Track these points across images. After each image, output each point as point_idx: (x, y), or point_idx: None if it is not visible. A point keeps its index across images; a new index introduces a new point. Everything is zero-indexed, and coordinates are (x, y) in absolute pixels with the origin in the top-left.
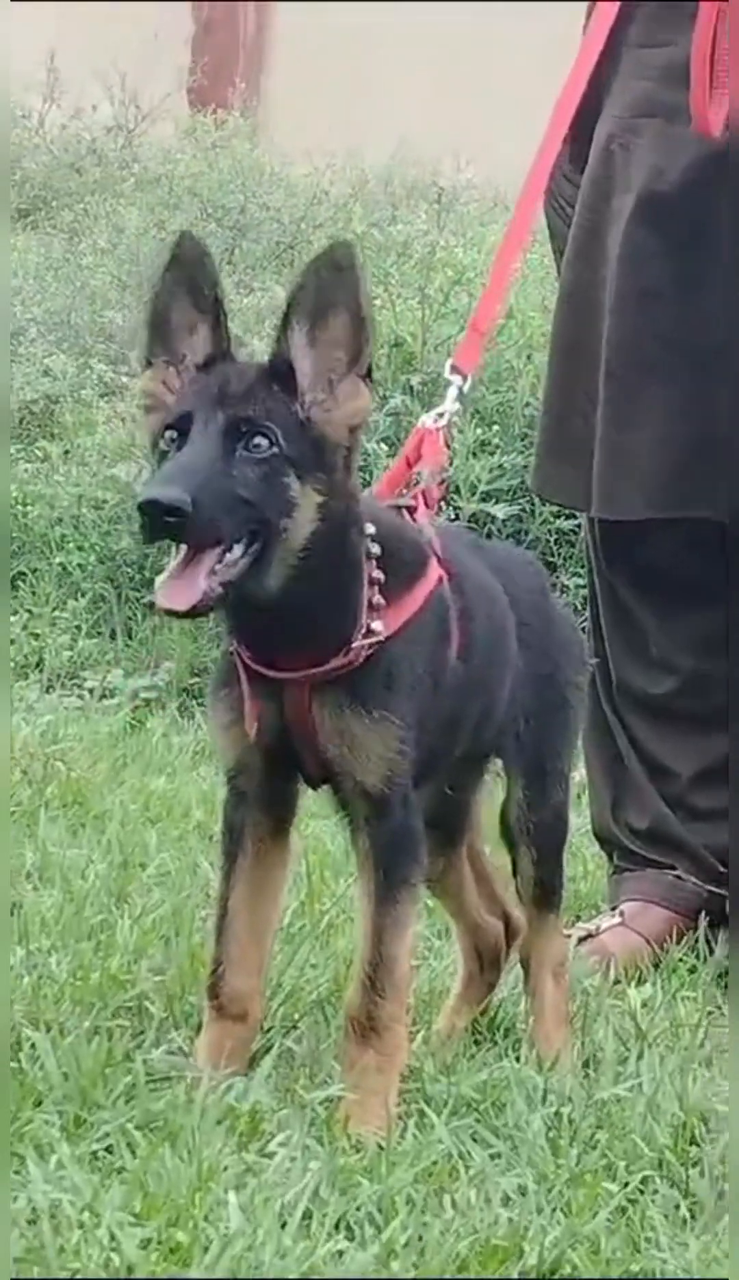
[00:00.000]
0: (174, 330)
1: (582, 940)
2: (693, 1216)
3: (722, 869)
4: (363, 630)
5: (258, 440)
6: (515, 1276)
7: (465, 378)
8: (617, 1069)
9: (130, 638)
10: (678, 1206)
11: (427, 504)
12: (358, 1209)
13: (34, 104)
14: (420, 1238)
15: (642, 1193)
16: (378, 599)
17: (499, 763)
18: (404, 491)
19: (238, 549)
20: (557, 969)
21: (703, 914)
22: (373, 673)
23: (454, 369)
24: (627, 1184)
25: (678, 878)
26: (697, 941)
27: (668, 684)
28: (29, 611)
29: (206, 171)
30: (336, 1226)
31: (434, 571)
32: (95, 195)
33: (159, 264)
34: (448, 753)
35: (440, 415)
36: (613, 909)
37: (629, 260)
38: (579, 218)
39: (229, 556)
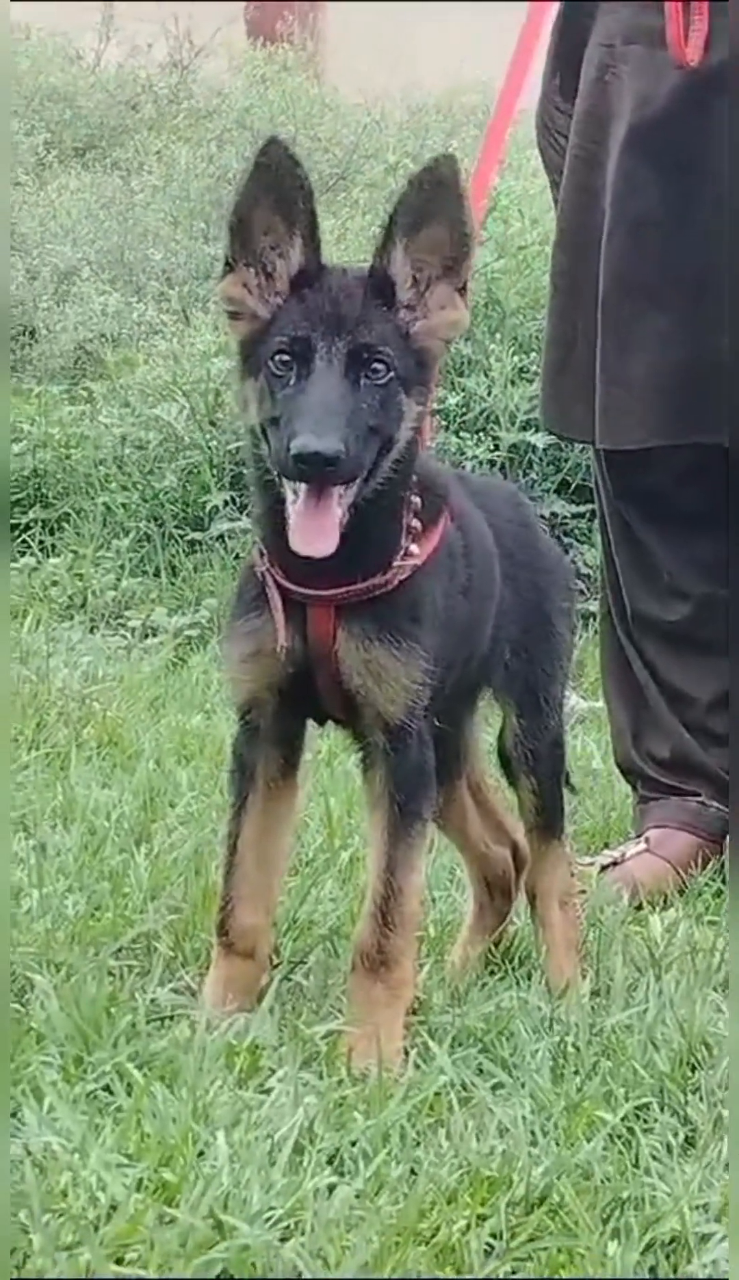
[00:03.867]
0: (257, 236)
1: (606, 868)
2: (689, 1143)
3: None
4: (402, 552)
5: (377, 366)
6: (503, 1205)
7: None
8: (628, 996)
9: (174, 575)
10: (676, 1133)
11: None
12: (352, 1144)
13: (90, 43)
14: (411, 1171)
15: (639, 1119)
16: (416, 525)
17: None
18: None
19: None
20: (564, 897)
21: (728, 838)
22: (400, 603)
23: None
24: (623, 1113)
25: (702, 803)
26: (722, 865)
27: (682, 610)
28: (73, 552)
29: (257, 104)
30: (329, 1161)
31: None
32: (150, 131)
33: (244, 168)
34: (444, 688)
35: None
36: (639, 836)
37: (622, 189)
38: (573, 149)
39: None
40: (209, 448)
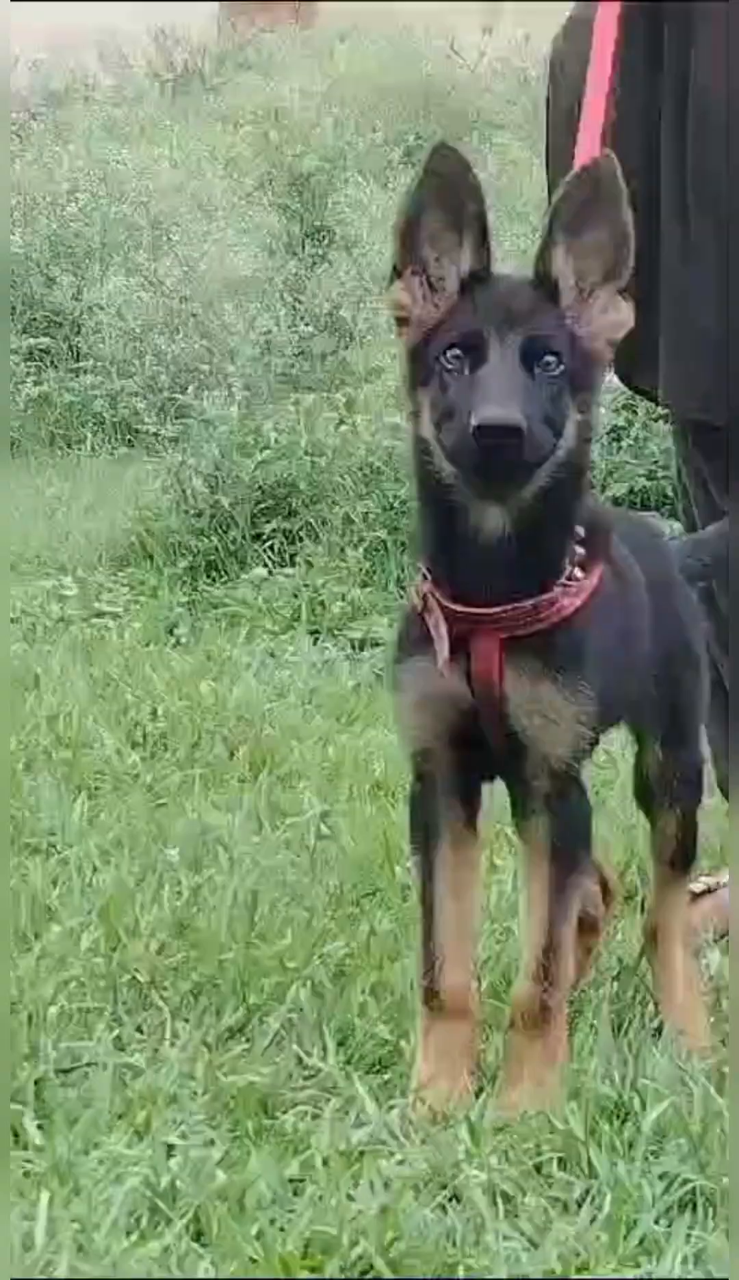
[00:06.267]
0: (426, 242)
1: (698, 895)
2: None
3: None
4: (566, 575)
5: (549, 359)
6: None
7: None
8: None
9: (403, 587)
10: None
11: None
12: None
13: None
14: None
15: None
16: (580, 551)
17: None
18: None
19: None
20: (686, 935)
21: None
22: (567, 640)
23: None
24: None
25: None
26: None
27: None
28: (308, 562)
29: None
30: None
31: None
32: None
33: (415, 174)
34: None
35: None
36: None
37: None
38: None
39: None
40: None
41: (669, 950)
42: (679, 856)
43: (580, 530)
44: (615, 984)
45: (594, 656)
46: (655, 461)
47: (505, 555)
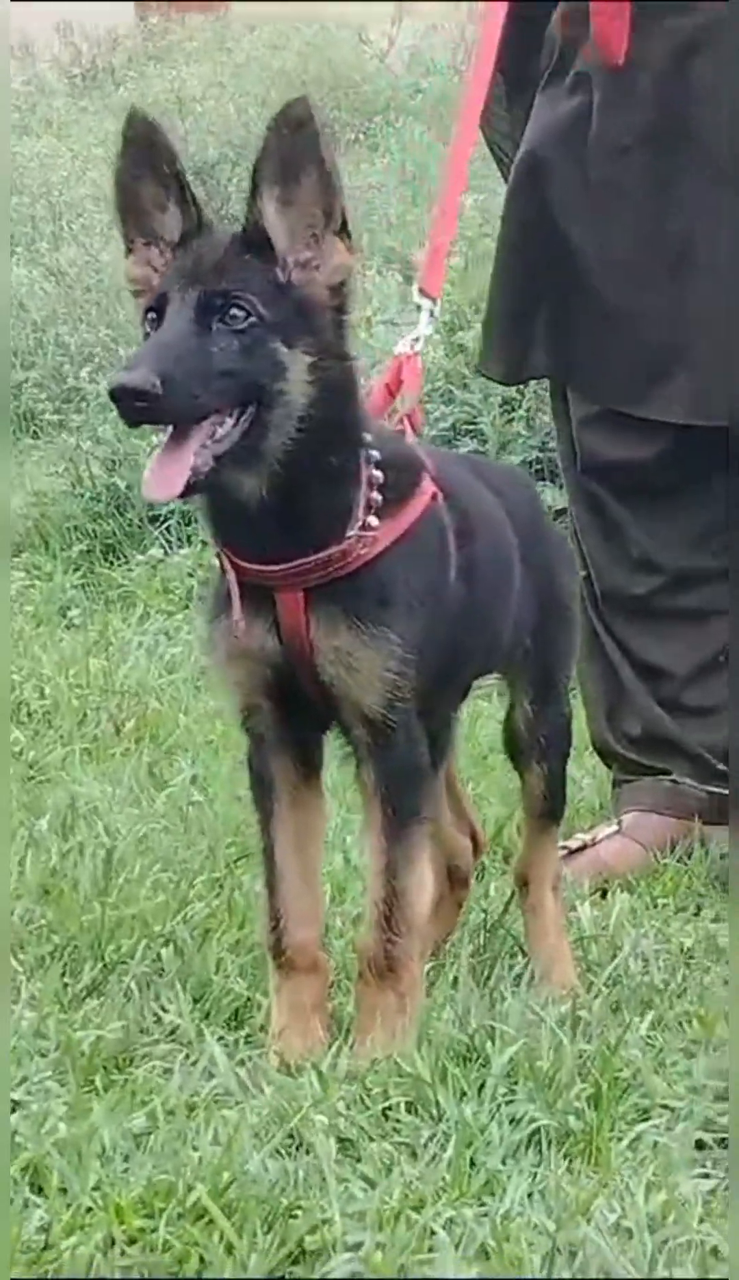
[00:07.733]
0: (144, 211)
1: (575, 851)
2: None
3: (720, 767)
4: (359, 524)
5: (234, 311)
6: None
7: (434, 300)
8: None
9: None
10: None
11: (413, 429)
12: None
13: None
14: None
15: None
16: (376, 498)
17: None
18: (387, 419)
19: (229, 421)
20: (555, 882)
21: (697, 817)
22: (369, 587)
23: (421, 292)
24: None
25: (674, 782)
26: (691, 848)
27: (651, 583)
28: (203, 542)
29: None
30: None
31: (428, 489)
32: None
33: (114, 147)
34: (456, 680)
35: (415, 340)
36: (616, 821)
37: None
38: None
39: (220, 430)
40: None
41: (539, 897)
42: (547, 809)
43: (378, 475)
44: (484, 935)
45: (401, 602)
46: (548, 433)
47: (270, 513)
